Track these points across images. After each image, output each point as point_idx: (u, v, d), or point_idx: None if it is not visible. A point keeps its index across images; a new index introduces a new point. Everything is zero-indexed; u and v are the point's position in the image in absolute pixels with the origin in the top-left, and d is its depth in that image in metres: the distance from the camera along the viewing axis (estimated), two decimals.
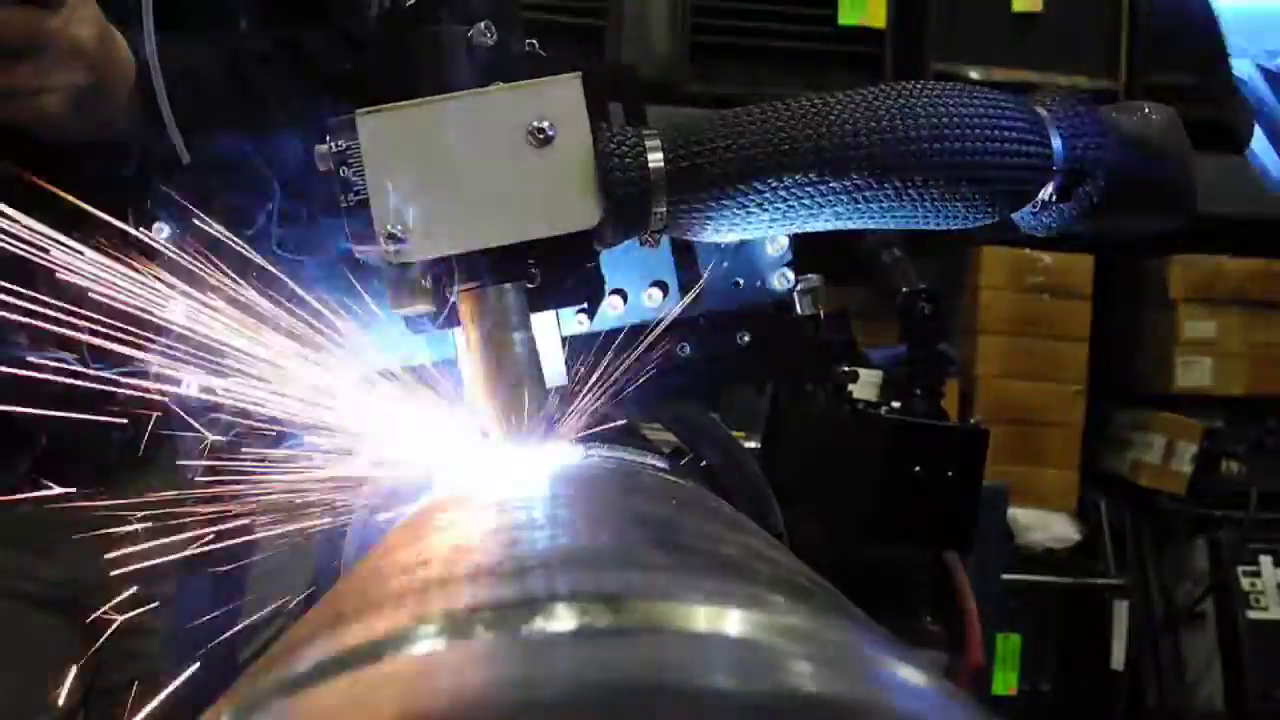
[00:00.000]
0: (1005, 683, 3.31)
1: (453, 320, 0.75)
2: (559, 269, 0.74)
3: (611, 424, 0.84)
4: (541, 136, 0.71)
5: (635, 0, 3.20)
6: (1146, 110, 0.81)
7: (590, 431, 0.80)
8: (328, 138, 0.72)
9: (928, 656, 0.99)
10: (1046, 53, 3.38)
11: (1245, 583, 3.35)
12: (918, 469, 0.98)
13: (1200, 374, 3.51)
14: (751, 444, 1.07)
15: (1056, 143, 0.76)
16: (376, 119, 0.71)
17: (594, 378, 0.81)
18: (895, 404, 1.03)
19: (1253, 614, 3.33)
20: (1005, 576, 3.01)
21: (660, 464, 0.86)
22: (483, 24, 0.73)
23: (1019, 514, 3.30)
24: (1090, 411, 3.55)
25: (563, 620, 0.34)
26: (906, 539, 1.02)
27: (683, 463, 0.94)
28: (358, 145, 0.71)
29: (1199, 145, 0.80)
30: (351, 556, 0.81)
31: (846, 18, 3.30)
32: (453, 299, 0.74)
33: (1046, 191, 0.77)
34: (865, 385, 1.07)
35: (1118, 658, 3.36)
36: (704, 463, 0.95)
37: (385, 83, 0.73)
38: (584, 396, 0.80)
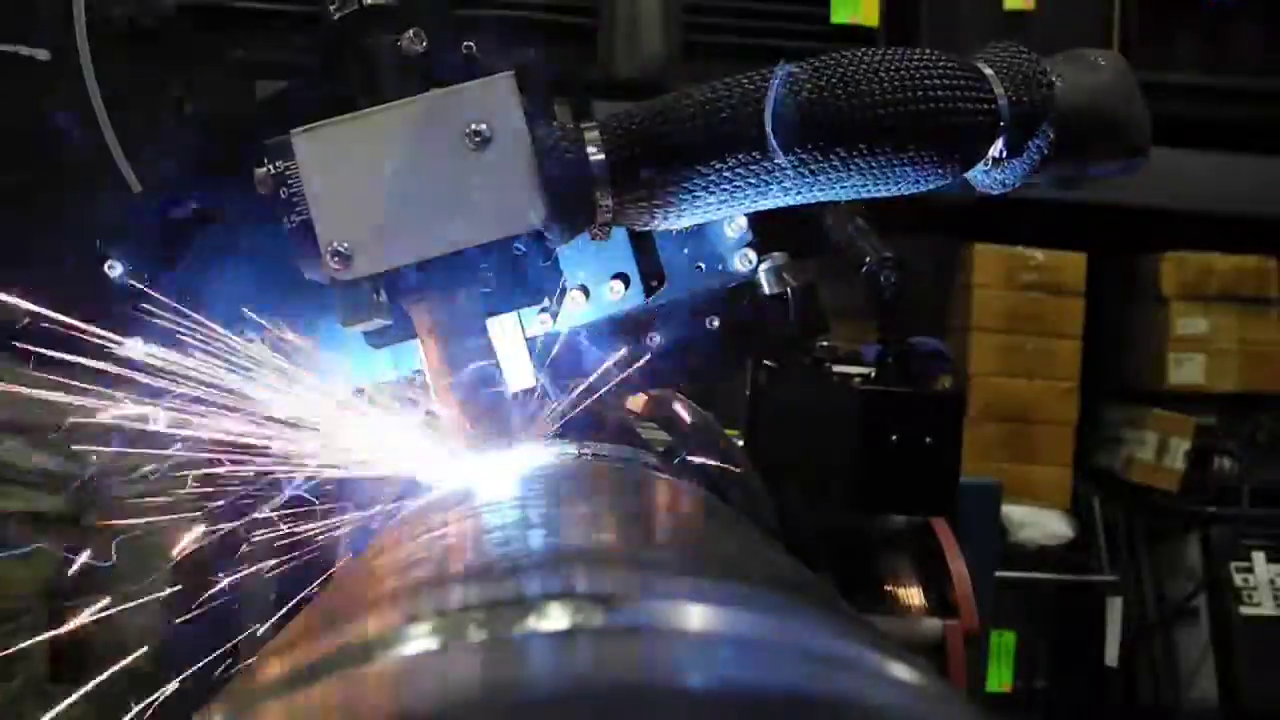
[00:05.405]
0: (999, 679, 3.31)
1: (410, 332, 0.75)
2: (514, 270, 0.74)
3: (601, 422, 0.84)
4: (479, 139, 0.71)
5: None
6: (1093, 57, 0.81)
7: (581, 430, 0.80)
8: (265, 160, 0.71)
9: (920, 625, 0.99)
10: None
11: (1238, 579, 3.36)
12: (894, 437, 0.98)
13: (1192, 371, 3.52)
14: (743, 443, 1.07)
15: (1001, 99, 0.75)
16: (312, 136, 0.71)
17: (572, 375, 0.81)
18: (869, 372, 1.03)
19: (1245, 610, 3.34)
20: (999, 574, 3.01)
21: (654, 462, 0.85)
22: (411, 32, 0.73)
23: (1012, 511, 3.30)
24: (1083, 408, 3.55)
25: (555, 620, 0.34)
26: (890, 507, 1.02)
27: (676, 461, 0.94)
28: (296, 165, 0.70)
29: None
30: (344, 558, 0.81)
31: (839, 16, 3.30)
32: (406, 311, 0.73)
33: (996, 148, 0.77)
34: None
35: (1111, 654, 3.36)
36: (698, 460, 0.95)
37: (319, 99, 0.73)
38: (567, 395, 0.80)
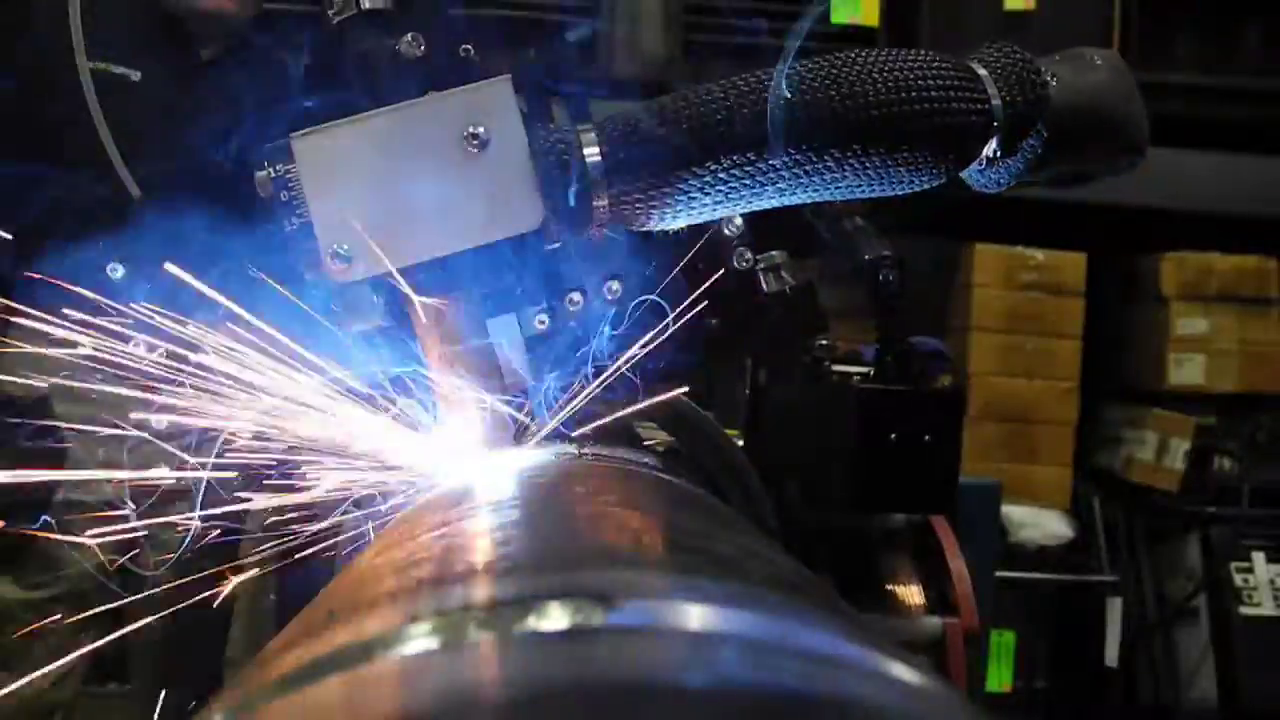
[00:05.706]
0: (999, 679, 3.31)
1: (408, 332, 0.75)
2: (512, 271, 0.74)
3: (601, 423, 0.84)
4: (477, 142, 0.71)
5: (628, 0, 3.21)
6: (1089, 57, 0.81)
7: (583, 430, 0.80)
8: (265, 163, 0.71)
9: (920, 624, 0.99)
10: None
11: (1238, 579, 3.36)
12: (894, 436, 0.97)
13: (1192, 371, 3.52)
14: (743, 443, 1.06)
15: (995, 99, 0.75)
16: (311, 140, 0.71)
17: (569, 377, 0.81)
18: (869, 371, 1.02)
19: (1245, 610, 3.34)
20: (999, 574, 3.01)
21: (654, 463, 0.85)
22: (409, 36, 0.73)
23: (1012, 511, 3.30)
24: (1083, 409, 3.55)
25: (555, 619, 0.34)
26: (889, 506, 1.02)
27: (676, 461, 0.94)
28: (296, 168, 0.71)
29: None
30: (344, 557, 0.81)
31: (839, 16, 3.30)
32: (406, 312, 0.74)
33: (990, 148, 0.77)
34: None
35: (1111, 654, 3.36)
36: (697, 460, 0.95)
37: (319, 102, 0.73)
38: (564, 396, 0.80)
